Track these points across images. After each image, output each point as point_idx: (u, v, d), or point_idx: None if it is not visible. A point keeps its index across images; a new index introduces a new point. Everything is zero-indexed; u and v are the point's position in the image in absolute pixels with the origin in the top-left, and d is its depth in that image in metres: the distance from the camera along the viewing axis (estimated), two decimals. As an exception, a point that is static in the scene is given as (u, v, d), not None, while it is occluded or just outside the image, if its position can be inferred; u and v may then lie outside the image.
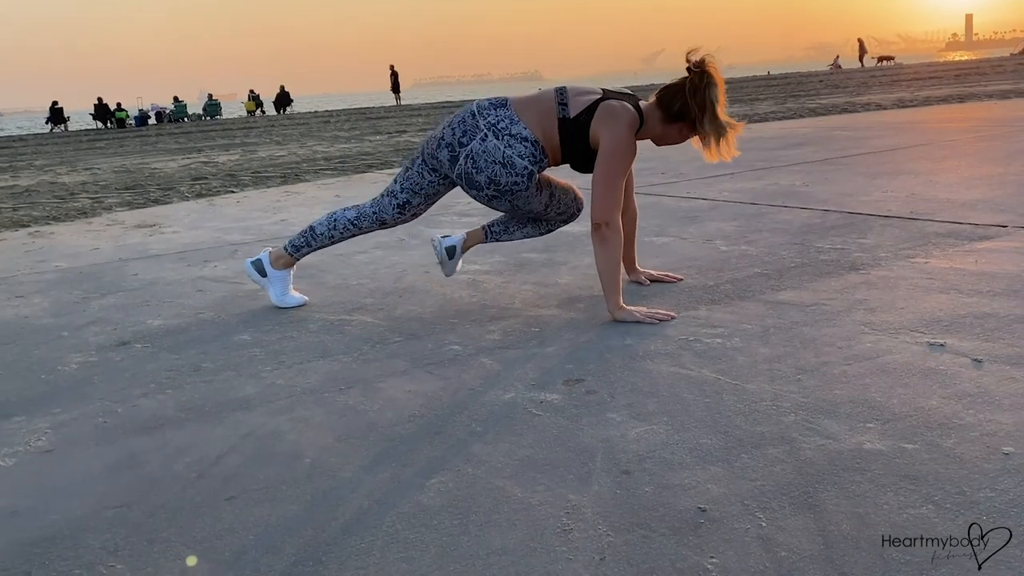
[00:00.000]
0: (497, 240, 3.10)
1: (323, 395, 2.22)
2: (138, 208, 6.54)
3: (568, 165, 2.78)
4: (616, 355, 2.35)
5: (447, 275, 3.16)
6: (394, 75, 33.81)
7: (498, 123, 2.67)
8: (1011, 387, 1.93)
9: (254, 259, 3.14)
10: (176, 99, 35.95)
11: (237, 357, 2.57)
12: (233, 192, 7.20)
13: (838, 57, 41.82)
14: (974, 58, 47.28)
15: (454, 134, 2.71)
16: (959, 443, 1.69)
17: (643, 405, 1.99)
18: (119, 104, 34.07)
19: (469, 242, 3.10)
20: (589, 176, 2.68)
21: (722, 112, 2.62)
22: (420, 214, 2.99)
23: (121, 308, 3.29)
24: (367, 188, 6.72)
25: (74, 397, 2.34)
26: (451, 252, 3.08)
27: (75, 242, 5.01)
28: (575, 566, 1.38)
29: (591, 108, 2.67)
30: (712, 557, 1.37)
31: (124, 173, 9.83)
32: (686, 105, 2.63)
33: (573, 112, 2.67)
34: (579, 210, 3.03)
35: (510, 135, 2.66)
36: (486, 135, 2.67)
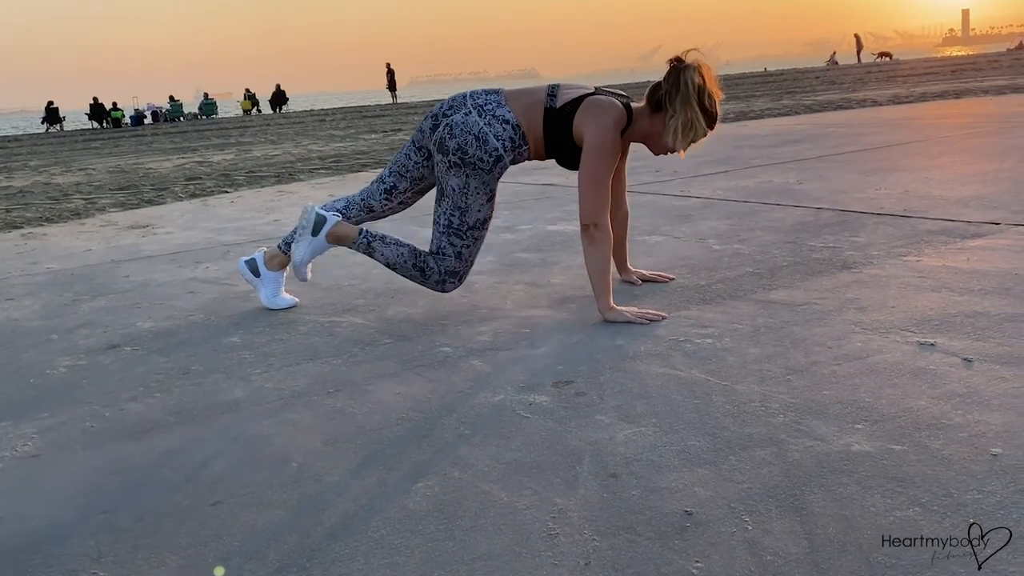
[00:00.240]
0: (369, 241, 2.83)
1: (312, 398, 2.21)
2: (131, 209, 6.52)
3: (556, 162, 2.76)
4: (606, 356, 2.34)
5: (298, 260, 2.93)
6: (390, 73, 33.80)
7: (485, 104, 2.70)
8: (1000, 387, 1.93)
9: (248, 259, 3.13)
10: (172, 98, 35.91)
11: (226, 360, 2.56)
12: (227, 192, 7.18)
13: (835, 53, 41.82)
14: (971, 53, 47.32)
15: (442, 108, 2.76)
16: (947, 444, 1.68)
17: (632, 407, 1.99)
18: (115, 104, 34.01)
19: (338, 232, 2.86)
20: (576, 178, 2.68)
21: (696, 102, 2.56)
22: (408, 203, 2.98)
23: (112, 310, 3.27)
24: (361, 187, 6.70)
25: (62, 401, 2.33)
26: (317, 228, 2.84)
27: (67, 243, 5.00)
28: (560, 571, 1.37)
29: (577, 100, 2.65)
30: (697, 561, 1.36)
31: (119, 173, 9.81)
32: (665, 90, 2.61)
33: (560, 103, 2.67)
34: (455, 280, 2.84)
35: (493, 115, 2.67)
36: (470, 111, 2.69)
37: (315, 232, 2.84)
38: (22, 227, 5.85)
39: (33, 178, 10.00)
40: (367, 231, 2.85)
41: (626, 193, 3.03)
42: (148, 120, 33.42)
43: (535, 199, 5.33)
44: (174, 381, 2.42)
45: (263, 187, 7.37)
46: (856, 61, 39.92)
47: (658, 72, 2.70)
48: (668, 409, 1.96)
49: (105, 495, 1.75)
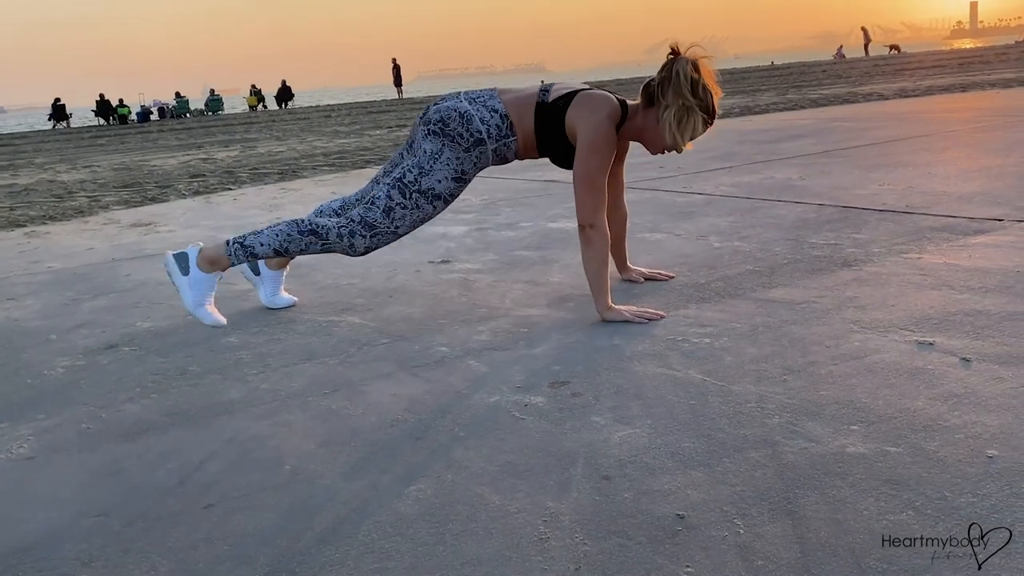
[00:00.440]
0: (240, 242, 2.70)
1: (307, 399, 2.21)
2: (135, 207, 6.53)
3: (550, 161, 2.73)
4: (603, 356, 2.34)
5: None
6: (396, 68, 33.77)
7: (477, 97, 2.67)
8: (998, 387, 1.91)
9: None
10: (178, 95, 35.96)
11: (223, 360, 2.56)
12: (230, 189, 7.18)
13: (842, 47, 41.65)
14: (979, 46, 47.07)
15: (436, 99, 2.73)
16: (943, 446, 1.67)
17: (627, 408, 1.98)
18: (121, 100, 34.08)
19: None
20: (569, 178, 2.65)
21: (690, 92, 2.49)
22: None
23: (111, 310, 3.28)
24: (363, 184, 6.70)
25: (59, 402, 2.33)
26: (184, 266, 2.70)
27: (70, 242, 5.01)
28: (549, 576, 1.36)
29: (569, 96, 2.61)
30: (688, 566, 1.36)
31: (123, 171, 9.83)
32: (657, 82, 2.55)
33: (552, 98, 2.62)
34: (367, 235, 2.66)
35: (483, 104, 2.64)
36: (461, 100, 2.66)
37: (185, 271, 2.67)
38: (25, 225, 5.86)
39: (38, 175, 10.02)
40: (230, 237, 2.72)
41: (624, 194, 3.00)
42: (154, 116, 33.48)
43: (537, 196, 5.32)
44: (171, 382, 2.42)
45: (266, 184, 7.37)
46: (864, 54, 39.75)
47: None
48: (664, 410, 1.95)
49: (98, 498, 1.75)
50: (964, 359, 2.09)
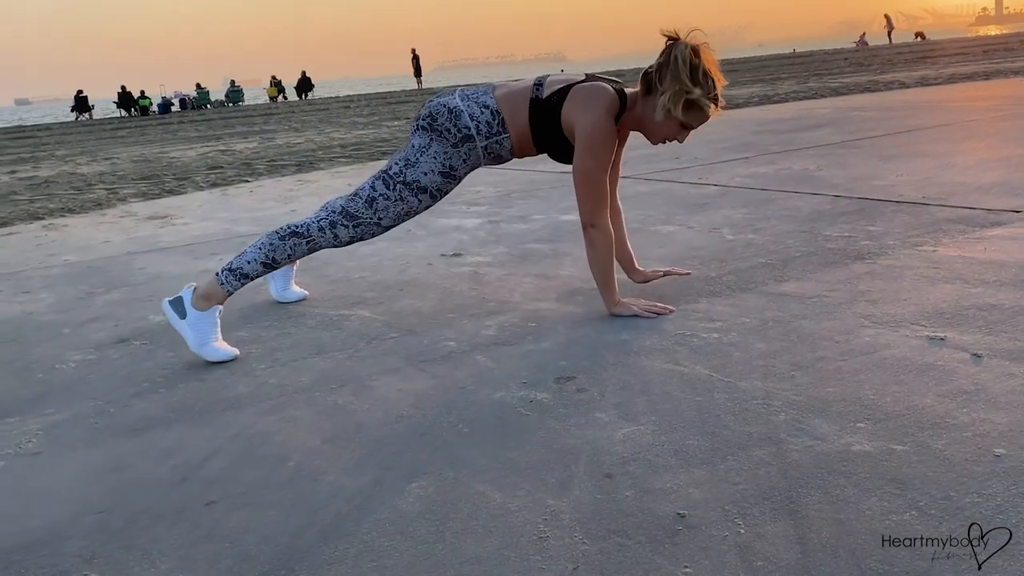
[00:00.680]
0: (229, 268, 2.64)
1: (314, 394, 2.21)
2: (152, 199, 6.56)
3: (548, 156, 2.67)
4: (610, 351, 2.32)
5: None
6: (415, 59, 33.77)
7: (471, 93, 2.62)
8: (1009, 384, 1.89)
9: None
10: (199, 86, 36.11)
11: (233, 354, 2.57)
12: (247, 181, 7.21)
13: (864, 34, 41.26)
14: (1004, 32, 46.50)
15: (435, 94, 2.70)
16: (950, 444, 1.65)
17: (632, 404, 1.96)
18: (142, 92, 34.28)
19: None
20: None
21: (688, 77, 2.37)
22: None
23: (124, 303, 3.29)
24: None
25: (68, 397, 2.34)
26: (181, 310, 2.58)
27: (87, 235, 5.04)
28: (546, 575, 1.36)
29: (564, 90, 2.52)
30: (686, 567, 1.35)
31: (142, 163, 9.88)
32: (655, 68, 2.44)
33: (546, 93, 2.54)
34: (350, 226, 2.64)
35: (474, 100, 2.58)
36: (454, 96, 2.61)
37: (182, 315, 2.56)
38: (44, 218, 5.91)
39: (59, 168, 10.10)
40: (218, 268, 2.67)
41: (618, 186, 2.83)
42: (175, 108, 33.65)
43: (551, 187, 5.30)
44: (179, 376, 2.43)
45: (283, 176, 7.38)
46: (887, 42, 39.34)
47: None
48: (669, 407, 1.93)
49: (101, 495, 1.76)
50: (975, 355, 2.07)
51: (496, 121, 2.56)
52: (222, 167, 8.55)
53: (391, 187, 2.60)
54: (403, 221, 2.68)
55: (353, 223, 2.62)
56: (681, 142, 2.54)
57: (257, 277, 2.64)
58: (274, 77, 37.97)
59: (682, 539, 1.42)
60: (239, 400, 2.22)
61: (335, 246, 2.68)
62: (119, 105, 33.58)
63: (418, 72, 34.21)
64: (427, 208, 2.67)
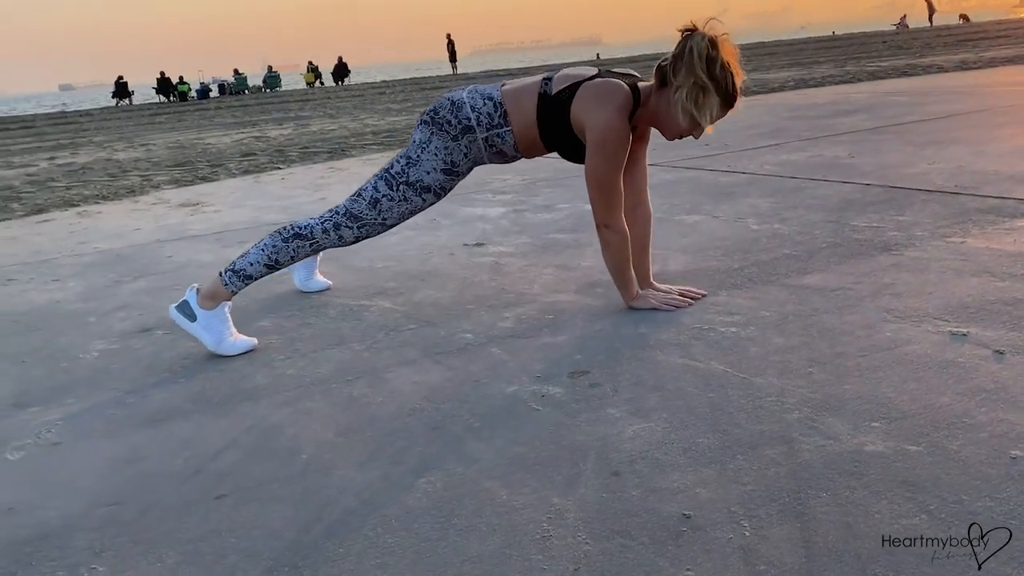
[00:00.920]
0: (233, 269, 2.62)
1: (331, 386, 2.22)
2: (185, 186, 6.62)
3: (559, 155, 2.61)
4: (626, 345, 2.31)
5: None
6: (450, 44, 33.74)
7: (479, 88, 2.58)
8: (1030, 383, 1.85)
9: None
10: (236, 72, 36.36)
11: (252, 345, 2.59)
12: (280, 168, 7.25)
13: (905, 16, 40.49)
14: (1051, 13, 45.38)
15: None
16: (965, 445, 1.62)
17: (645, 400, 1.95)
18: (181, 78, 34.58)
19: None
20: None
21: (704, 71, 2.27)
22: None
23: (150, 292, 3.33)
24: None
25: (90, 386, 2.37)
26: (189, 313, 2.58)
27: (119, 222, 5.10)
28: (548, 576, 1.35)
29: (574, 87, 2.43)
30: (688, 569, 1.33)
31: (177, 149, 9.98)
32: (670, 60, 2.34)
33: (555, 90, 2.47)
34: (355, 227, 2.61)
35: (479, 93, 2.54)
36: (461, 91, 2.58)
37: (192, 318, 2.55)
38: (79, 205, 5.98)
39: (96, 154, 10.22)
40: (222, 269, 2.65)
41: (647, 185, 2.68)
42: (214, 93, 33.91)
43: (576, 175, 5.24)
44: (199, 367, 2.45)
45: (315, 163, 7.41)
46: (928, 24, 38.60)
47: None
48: (681, 403, 1.92)
49: (115, 487, 1.78)
50: (997, 351, 2.03)
51: (498, 113, 2.51)
52: (255, 153, 8.61)
53: (394, 187, 2.57)
54: (408, 219, 2.67)
55: (357, 224, 2.61)
56: (697, 138, 2.46)
57: (261, 278, 2.65)
58: (311, 63, 38.15)
59: (686, 540, 1.41)
60: (257, 391, 2.23)
61: (339, 246, 2.67)
62: (158, 91, 33.92)
63: (453, 57, 34.19)
64: (432, 205, 2.66)
